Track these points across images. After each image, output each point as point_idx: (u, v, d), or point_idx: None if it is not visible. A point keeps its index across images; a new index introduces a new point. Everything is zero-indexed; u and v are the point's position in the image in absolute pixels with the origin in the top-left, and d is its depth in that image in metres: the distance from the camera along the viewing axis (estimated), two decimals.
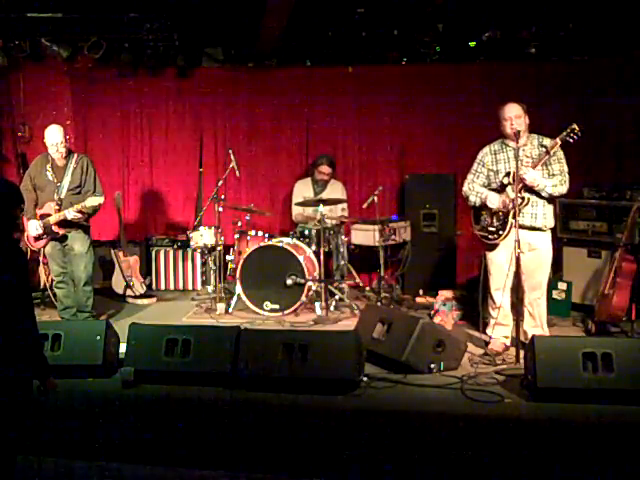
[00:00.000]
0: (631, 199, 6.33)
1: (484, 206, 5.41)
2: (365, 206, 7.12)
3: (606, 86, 7.48)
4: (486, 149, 5.50)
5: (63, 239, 6.23)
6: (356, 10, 7.05)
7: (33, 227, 6.14)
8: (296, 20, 6.71)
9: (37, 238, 6.21)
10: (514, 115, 5.24)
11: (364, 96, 8.05)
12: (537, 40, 7.40)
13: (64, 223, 6.14)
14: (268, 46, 7.64)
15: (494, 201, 5.31)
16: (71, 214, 6.04)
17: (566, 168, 5.28)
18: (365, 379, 4.78)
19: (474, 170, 5.54)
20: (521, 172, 5.15)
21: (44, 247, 6.27)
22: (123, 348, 5.09)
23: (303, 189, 7.63)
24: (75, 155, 6.28)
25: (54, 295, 6.48)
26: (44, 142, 6.21)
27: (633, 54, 7.29)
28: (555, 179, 5.24)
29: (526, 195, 5.20)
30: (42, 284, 6.95)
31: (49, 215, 6.14)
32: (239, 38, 7.70)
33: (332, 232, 7.11)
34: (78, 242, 6.23)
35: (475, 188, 5.48)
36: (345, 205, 7.56)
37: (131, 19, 7.16)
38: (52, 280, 6.49)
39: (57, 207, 6.12)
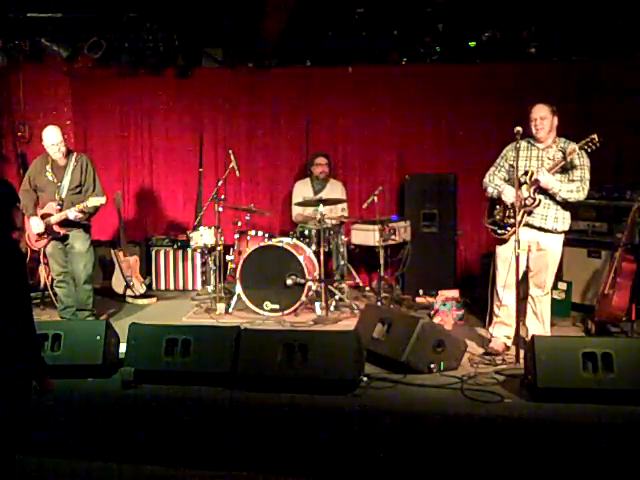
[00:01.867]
0: (631, 199, 6.33)
1: (499, 199, 5.42)
2: (365, 206, 7.12)
3: (606, 86, 7.48)
4: (512, 145, 5.47)
5: (64, 238, 6.24)
6: (356, 10, 7.05)
7: (35, 224, 6.15)
8: (296, 20, 6.71)
9: (38, 238, 6.22)
10: (539, 116, 5.25)
11: (364, 96, 8.04)
12: (537, 40, 7.40)
13: (65, 222, 6.15)
14: (268, 46, 7.63)
15: (509, 195, 5.27)
16: (73, 214, 6.06)
17: (587, 176, 5.24)
18: (365, 379, 4.78)
19: (496, 164, 5.56)
20: (537, 174, 5.16)
21: (45, 247, 6.29)
22: (123, 348, 5.09)
23: (303, 189, 7.64)
24: (74, 154, 6.29)
25: (54, 295, 6.49)
26: (43, 144, 6.18)
27: (633, 54, 7.29)
28: (573, 185, 5.22)
29: (539, 197, 5.20)
30: (42, 284, 6.95)
31: (50, 215, 6.15)
32: (239, 38, 7.70)
33: (332, 232, 7.11)
34: (79, 241, 6.24)
35: (494, 180, 5.49)
36: (345, 205, 7.56)
37: (131, 19, 7.16)
38: (52, 279, 6.49)
39: (58, 207, 6.14)
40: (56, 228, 6.15)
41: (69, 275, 6.33)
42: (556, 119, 5.31)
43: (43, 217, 6.17)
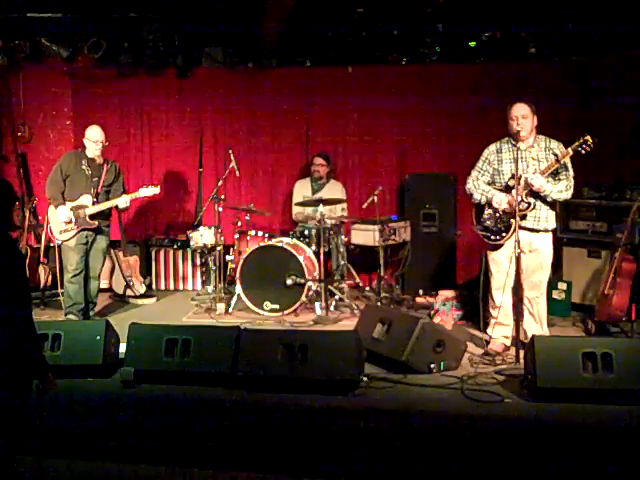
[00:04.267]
0: (631, 199, 6.33)
1: (487, 205, 5.41)
2: (365, 206, 7.13)
3: (606, 86, 7.47)
4: (492, 147, 5.47)
5: (96, 231, 6.36)
6: (356, 10, 7.05)
7: (62, 213, 6.25)
8: (296, 20, 6.71)
9: (66, 229, 6.28)
10: (521, 115, 5.22)
11: (364, 96, 8.05)
12: (537, 40, 7.41)
13: (100, 215, 6.32)
14: (268, 46, 7.64)
15: (500, 201, 5.29)
16: (124, 201, 6.34)
17: (572, 173, 5.29)
18: (365, 379, 4.78)
19: (479, 168, 5.51)
20: (528, 177, 5.15)
21: (67, 240, 6.30)
22: (123, 348, 5.09)
23: (302, 189, 7.65)
24: (105, 158, 6.48)
25: (62, 293, 6.46)
26: (85, 140, 6.38)
27: (633, 54, 7.29)
28: (561, 184, 5.24)
29: (532, 200, 5.20)
30: (42, 284, 6.94)
31: (85, 207, 6.26)
32: (239, 38, 7.70)
33: (332, 232, 7.11)
34: (104, 239, 6.48)
35: (480, 186, 5.46)
36: (345, 205, 7.57)
37: (131, 19, 7.17)
38: (62, 275, 6.43)
39: (95, 199, 6.29)
40: (88, 220, 6.26)
41: (83, 272, 6.38)
42: (535, 119, 5.29)
43: (77, 208, 6.27)
